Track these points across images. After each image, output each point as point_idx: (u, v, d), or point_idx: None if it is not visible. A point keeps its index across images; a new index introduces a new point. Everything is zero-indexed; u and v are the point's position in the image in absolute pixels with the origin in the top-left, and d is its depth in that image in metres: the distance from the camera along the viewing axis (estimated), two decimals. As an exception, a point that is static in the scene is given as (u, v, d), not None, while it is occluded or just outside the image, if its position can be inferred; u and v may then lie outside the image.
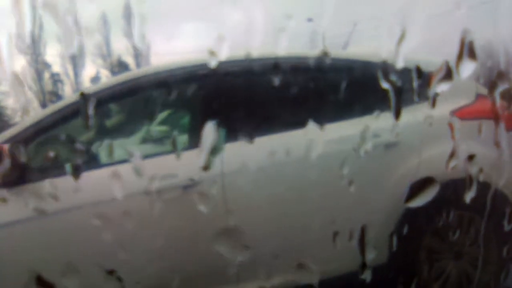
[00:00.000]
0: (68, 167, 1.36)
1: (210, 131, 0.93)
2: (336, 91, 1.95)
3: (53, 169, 1.89)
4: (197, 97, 2.07)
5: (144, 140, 2.11)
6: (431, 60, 1.83)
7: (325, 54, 1.78)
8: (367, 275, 1.20)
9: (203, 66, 2.00)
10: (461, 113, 1.97)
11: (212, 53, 1.19)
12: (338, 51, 2.49)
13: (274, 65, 1.87)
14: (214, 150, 0.92)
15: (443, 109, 1.84)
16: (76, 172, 1.25)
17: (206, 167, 0.93)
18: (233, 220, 1.67)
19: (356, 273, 1.35)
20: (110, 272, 1.09)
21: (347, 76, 2.07)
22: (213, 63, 1.30)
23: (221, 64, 1.44)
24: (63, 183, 1.64)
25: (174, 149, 1.42)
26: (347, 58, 2.25)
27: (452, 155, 1.23)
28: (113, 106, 2.13)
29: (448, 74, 1.06)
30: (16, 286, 0.86)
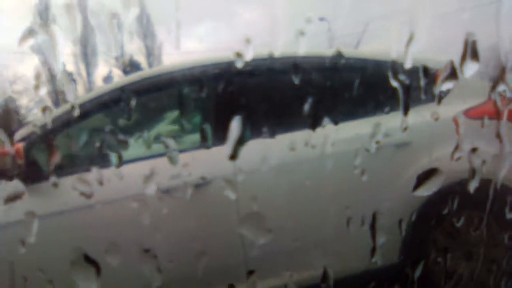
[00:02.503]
0: (113, 157, 1.45)
1: (236, 124, 1.02)
2: (350, 90, 2.02)
3: (75, 165, 1.99)
4: (210, 96, 2.15)
5: (156, 139, 2.19)
6: (441, 60, 1.90)
7: (339, 54, 1.84)
8: (377, 259, 1.28)
9: (216, 65, 2.09)
10: (473, 113, 2.03)
11: (238, 55, 1.28)
12: (351, 51, 2.56)
13: (287, 65, 1.93)
14: (241, 141, 1.02)
15: (456, 109, 1.91)
16: (120, 162, 1.35)
17: (233, 156, 1.03)
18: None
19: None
20: (146, 251, 1.20)
21: (360, 75, 2.14)
22: (223, 63, 1.35)
23: (231, 64, 1.51)
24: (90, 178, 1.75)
25: (204, 143, 1.50)
26: (361, 58, 2.32)
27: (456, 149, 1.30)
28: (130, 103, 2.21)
29: (453, 74, 1.14)
30: (65, 263, 0.97)
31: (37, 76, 1.08)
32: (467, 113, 2.04)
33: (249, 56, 1.27)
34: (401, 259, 1.99)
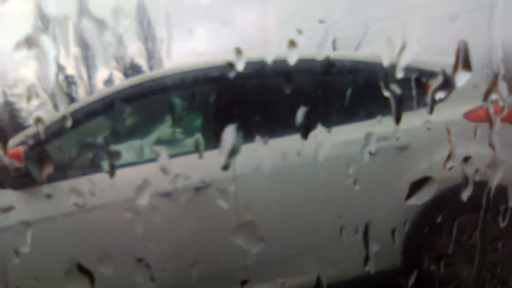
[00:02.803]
0: (105, 165, 1.45)
1: (230, 133, 1.02)
2: (345, 93, 2.01)
3: (73, 169, 1.99)
4: (210, 100, 2.15)
5: (157, 142, 2.20)
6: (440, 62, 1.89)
7: (327, 59, 1.83)
8: (370, 267, 1.28)
9: (214, 68, 2.09)
10: (473, 116, 2.03)
11: (230, 64, 1.28)
12: (349, 53, 2.55)
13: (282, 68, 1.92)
14: (233, 152, 1.02)
15: (458, 111, 1.90)
16: (112, 170, 1.35)
17: (226, 167, 1.03)
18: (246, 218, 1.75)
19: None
20: (139, 260, 1.20)
21: (357, 78, 2.13)
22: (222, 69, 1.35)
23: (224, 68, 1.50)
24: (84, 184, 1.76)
25: (197, 150, 1.51)
26: (357, 60, 2.31)
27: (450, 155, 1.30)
28: (126, 108, 2.22)
29: (446, 83, 1.14)
30: (59, 273, 0.97)
31: (29, 88, 1.08)
32: (468, 115, 2.04)
33: (240, 66, 1.26)
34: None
